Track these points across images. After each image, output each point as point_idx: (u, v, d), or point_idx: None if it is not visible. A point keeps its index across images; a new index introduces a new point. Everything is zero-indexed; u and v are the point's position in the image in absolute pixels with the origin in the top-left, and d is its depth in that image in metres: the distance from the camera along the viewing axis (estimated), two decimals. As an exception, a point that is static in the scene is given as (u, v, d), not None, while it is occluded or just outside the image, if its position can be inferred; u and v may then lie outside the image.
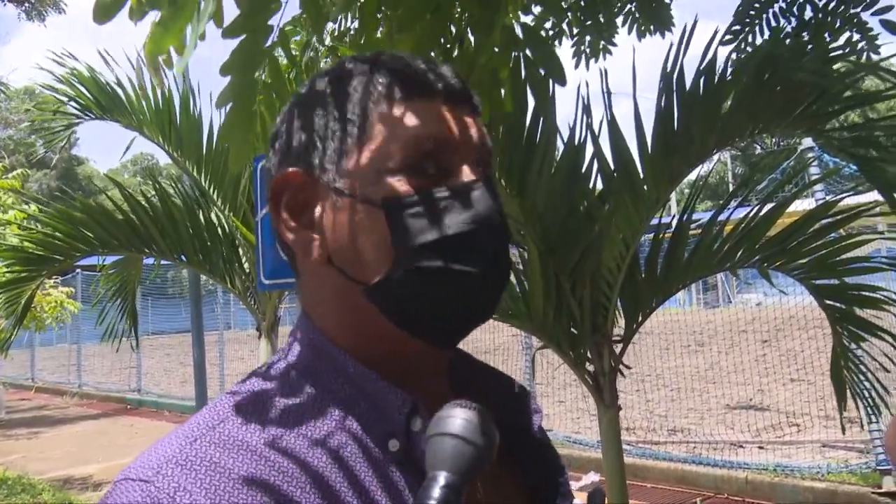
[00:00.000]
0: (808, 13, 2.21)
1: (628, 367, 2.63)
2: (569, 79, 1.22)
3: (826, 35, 2.11)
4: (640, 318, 2.62)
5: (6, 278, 3.63)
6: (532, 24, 2.28)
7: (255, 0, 0.94)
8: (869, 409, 2.70)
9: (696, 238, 2.58)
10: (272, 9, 0.97)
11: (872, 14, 2.10)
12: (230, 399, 0.62)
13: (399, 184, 0.61)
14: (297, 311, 0.70)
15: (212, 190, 4.13)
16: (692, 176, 2.70)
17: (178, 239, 3.83)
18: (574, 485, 0.79)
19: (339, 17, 2.07)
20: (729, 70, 2.16)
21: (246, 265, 4.18)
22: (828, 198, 3.61)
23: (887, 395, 2.73)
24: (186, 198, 4.20)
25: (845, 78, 1.99)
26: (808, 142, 5.29)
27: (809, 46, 2.11)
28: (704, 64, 2.19)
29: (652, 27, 2.88)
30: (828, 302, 2.56)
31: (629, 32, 2.93)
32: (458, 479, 0.50)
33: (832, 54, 2.04)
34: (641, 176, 2.37)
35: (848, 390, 2.66)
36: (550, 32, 2.97)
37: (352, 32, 2.15)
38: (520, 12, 1.99)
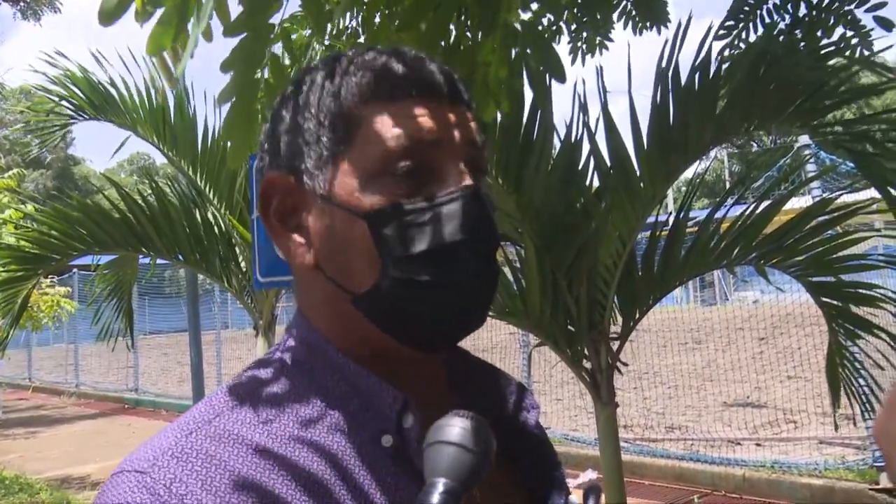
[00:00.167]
0: (803, 10, 2.21)
1: (625, 365, 2.63)
2: (566, 76, 1.21)
3: (819, 32, 2.11)
4: (637, 316, 2.62)
5: (2, 277, 3.62)
6: (530, 20, 2.28)
7: (257, -1, 0.94)
8: (865, 406, 2.71)
9: (692, 236, 2.58)
10: (274, 7, 0.97)
11: (866, 11, 2.10)
12: (226, 394, 0.62)
13: (382, 193, 0.60)
14: (294, 310, 0.70)
15: (207, 189, 4.12)
16: (689, 174, 2.70)
17: (175, 238, 3.82)
18: (571, 482, 0.80)
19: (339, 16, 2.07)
20: (724, 66, 2.17)
21: (242, 264, 4.18)
22: (824, 195, 3.62)
23: (882, 393, 2.74)
24: (183, 197, 4.20)
25: (840, 73, 1.99)
26: (804, 139, 5.30)
27: (802, 44, 2.11)
28: (699, 59, 2.19)
29: (648, 23, 2.88)
30: (824, 299, 2.56)
31: (625, 28, 2.93)
32: (457, 486, 0.51)
33: (825, 50, 2.04)
34: (638, 173, 2.37)
35: (844, 387, 2.67)
36: (547, 30, 2.97)
37: (349, 31, 2.14)
38: (519, 11, 1.99)
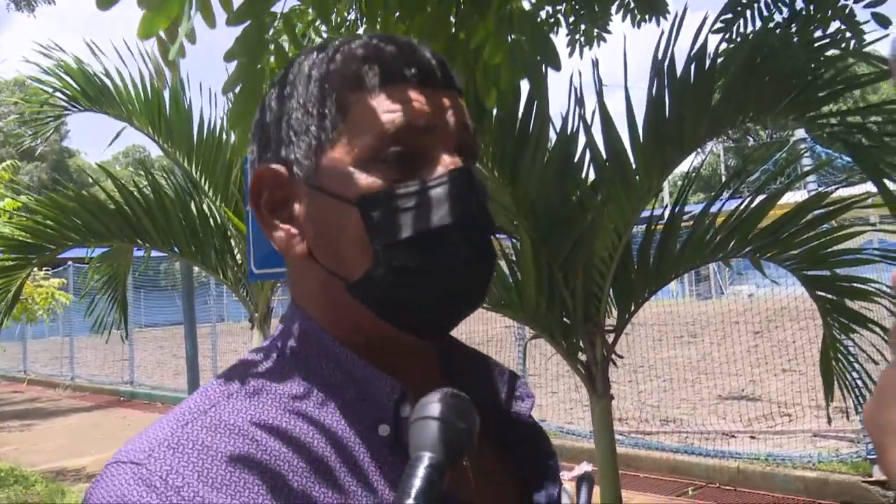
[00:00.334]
0: (800, 3, 2.21)
1: (620, 357, 2.63)
2: (563, 68, 1.21)
3: (813, 25, 2.11)
4: (632, 308, 2.63)
5: (-3, 266, 3.61)
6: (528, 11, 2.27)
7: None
8: (858, 399, 2.72)
9: (688, 229, 2.58)
10: (277, -5, 0.97)
11: (864, 6, 2.10)
12: (221, 384, 0.62)
13: (372, 179, 0.59)
14: (289, 301, 0.70)
15: (203, 180, 4.12)
16: (685, 167, 2.70)
17: (171, 229, 3.81)
18: (566, 475, 0.80)
19: (335, 7, 2.06)
20: (719, 59, 2.17)
21: (238, 256, 4.18)
22: (820, 189, 3.62)
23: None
24: (178, 188, 4.18)
25: (834, 63, 1.99)
26: (800, 133, 5.30)
27: (796, 39, 2.11)
28: (695, 50, 2.19)
29: (647, 16, 2.88)
30: (819, 293, 2.57)
31: (623, 20, 2.93)
32: (441, 460, 0.51)
33: (819, 43, 2.04)
34: (633, 165, 2.37)
35: (838, 381, 2.68)
36: (546, 22, 2.96)
37: (349, 24, 2.13)
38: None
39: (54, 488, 6.18)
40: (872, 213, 5.01)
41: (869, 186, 2.12)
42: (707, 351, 8.96)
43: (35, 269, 4.55)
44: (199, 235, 4.00)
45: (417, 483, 0.49)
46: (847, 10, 2.13)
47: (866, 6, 2.10)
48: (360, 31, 2.01)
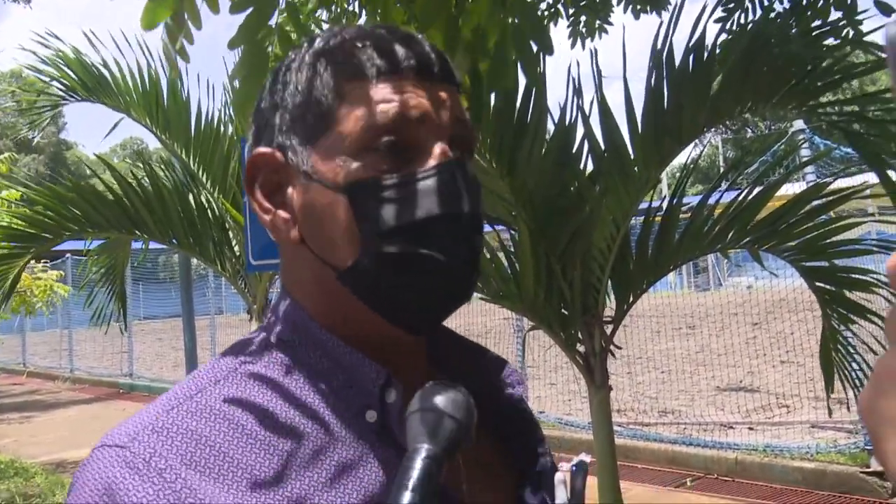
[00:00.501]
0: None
1: (619, 348, 2.64)
2: (562, 60, 1.21)
3: (809, 13, 2.11)
4: (630, 300, 2.63)
5: (-6, 254, 3.61)
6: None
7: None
8: (857, 390, 2.72)
9: (686, 221, 2.58)
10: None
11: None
12: (210, 370, 0.62)
13: (363, 168, 0.60)
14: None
15: (201, 172, 4.11)
16: (683, 159, 2.70)
17: (169, 221, 3.81)
18: (564, 465, 0.80)
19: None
20: (718, 48, 2.16)
21: (236, 248, 4.17)
22: (818, 180, 3.62)
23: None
24: (176, 181, 4.18)
25: (833, 52, 1.99)
26: (799, 124, 5.29)
27: (794, 29, 2.11)
28: (694, 41, 2.18)
29: (648, 7, 2.87)
30: (818, 284, 2.57)
31: (625, 11, 2.92)
32: (439, 452, 0.51)
33: (817, 32, 2.04)
34: (632, 156, 2.37)
35: (837, 371, 2.68)
36: (546, 13, 2.96)
37: (348, 12, 2.12)
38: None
39: (54, 480, 6.20)
40: (871, 204, 5.01)
41: (867, 177, 2.11)
42: (705, 342, 8.97)
43: (33, 261, 4.54)
44: (197, 227, 4.00)
45: (415, 475, 0.49)
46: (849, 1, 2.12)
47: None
48: (362, 20, 2.00)
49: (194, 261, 4.69)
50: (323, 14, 2.13)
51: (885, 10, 2.02)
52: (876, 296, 2.58)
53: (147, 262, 14.04)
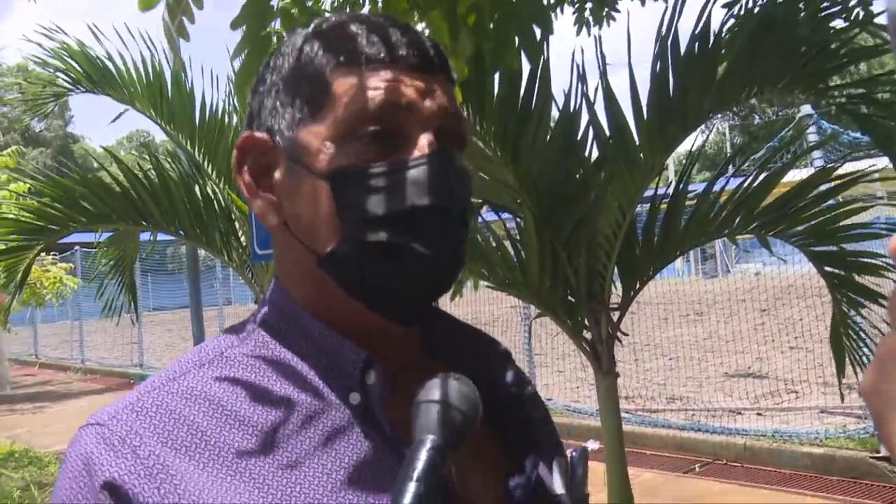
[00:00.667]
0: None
1: (625, 335, 2.63)
2: (565, 46, 1.20)
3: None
4: (637, 286, 2.62)
5: (3, 247, 3.64)
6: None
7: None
8: (866, 374, 2.71)
9: (693, 207, 2.56)
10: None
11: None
12: (196, 354, 0.64)
13: (348, 155, 0.60)
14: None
15: (206, 163, 4.11)
16: (689, 145, 2.68)
17: (175, 213, 3.82)
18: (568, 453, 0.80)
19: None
20: (725, 33, 2.14)
21: (242, 238, 4.18)
22: (826, 165, 3.59)
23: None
24: (182, 172, 4.18)
25: (840, 34, 1.96)
26: (806, 109, 5.25)
27: (803, 14, 2.08)
28: (700, 26, 2.16)
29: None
30: (827, 269, 2.55)
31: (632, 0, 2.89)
32: (444, 443, 0.52)
33: (825, 13, 2.01)
34: (637, 142, 2.35)
35: (848, 356, 2.67)
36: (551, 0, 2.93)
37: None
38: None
39: (67, 470, 6.26)
40: (880, 188, 4.97)
41: (874, 161, 2.10)
42: (713, 329, 8.95)
43: (43, 253, 4.56)
44: (203, 218, 4.00)
45: (420, 465, 0.50)
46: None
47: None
48: (366, 8, 1.99)
49: (202, 252, 4.71)
50: (325, 3, 2.12)
51: None
52: (886, 279, 2.56)
53: (155, 253, 14.11)
